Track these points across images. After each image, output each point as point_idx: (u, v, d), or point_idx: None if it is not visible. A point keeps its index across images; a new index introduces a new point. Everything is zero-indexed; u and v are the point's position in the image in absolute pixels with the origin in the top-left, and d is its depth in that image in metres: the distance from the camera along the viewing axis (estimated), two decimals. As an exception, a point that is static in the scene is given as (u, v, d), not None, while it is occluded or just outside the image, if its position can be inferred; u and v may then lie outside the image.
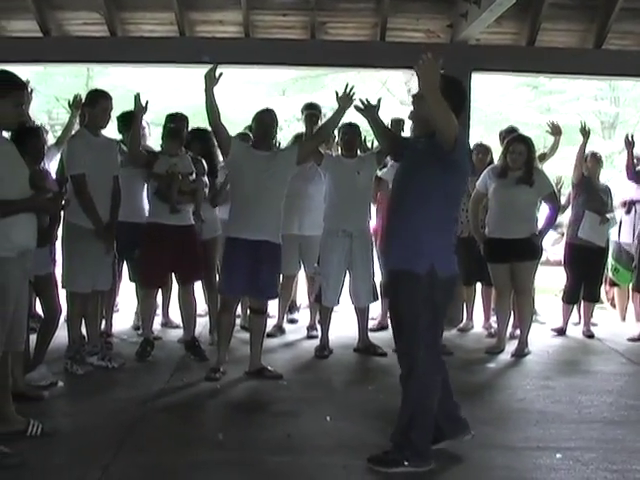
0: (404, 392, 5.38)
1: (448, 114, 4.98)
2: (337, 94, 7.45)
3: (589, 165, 9.75)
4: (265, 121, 7.53)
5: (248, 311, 8.14)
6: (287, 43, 10.44)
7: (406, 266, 5.25)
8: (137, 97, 7.54)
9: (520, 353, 8.60)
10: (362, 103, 6.44)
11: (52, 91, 20.30)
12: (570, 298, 9.83)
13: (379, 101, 6.77)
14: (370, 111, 6.40)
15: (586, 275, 9.73)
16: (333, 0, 10.23)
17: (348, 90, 7.33)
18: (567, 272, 9.89)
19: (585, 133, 9.68)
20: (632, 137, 9.82)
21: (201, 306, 8.70)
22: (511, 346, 8.76)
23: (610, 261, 10.42)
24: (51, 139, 9.33)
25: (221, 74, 7.06)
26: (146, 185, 8.44)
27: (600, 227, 9.52)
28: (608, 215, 9.64)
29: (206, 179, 8.30)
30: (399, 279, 5.36)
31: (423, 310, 5.20)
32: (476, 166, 9.23)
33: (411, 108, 5.67)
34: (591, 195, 9.59)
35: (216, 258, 8.47)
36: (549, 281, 10.56)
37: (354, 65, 11.00)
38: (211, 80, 7.04)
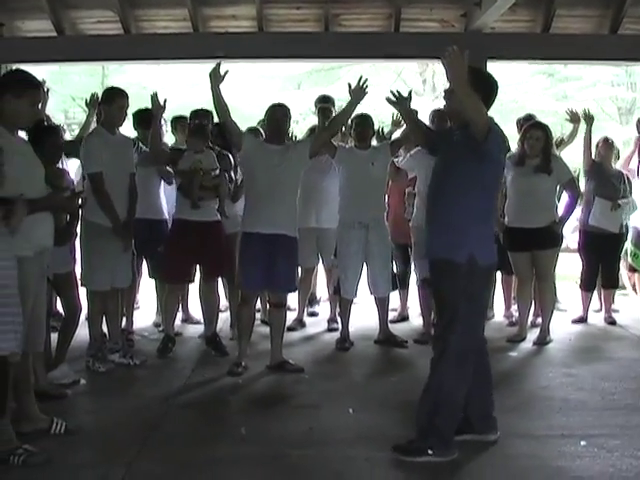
0: (431, 374, 5.40)
1: (478, 105, 5.05)
2: (350, 86, 7.46)
3: (601, 151, 9.69)
4: (277, 116, 7.51)
5: (268, 305, 8.15)
6: (301, 36, 10.45)
7: (446, 255, 5.30)
8: (154, 96, 7.56)
9: (542, 341, 8.59)
10: (394, 95, 6.41)
11: (68, 90, 20.37)
12: (588, 285, 9.79)
13: (410, 93, 6.77)
14: (402, 103, 6.41)
15: (602, 262, 9.70)
16: (346, -9, 10.22)
17: (361, 82, 7.33)
18: (582, 259, 9.87)
19: (588, 119, 9.58)
20: None
21: (222, 301, 8.68)
22: (533, 334, 8.75)
23: (630, 247, 10.37)
24: (68, 138, 9.32)
25: (227, 71, 7.08)
26: (162, 182, 8.47)
27: (612, 213, 9.43)
28: (623, 200, 9.56)
29: (232, 174, 8.29)
30: (440, 268, 5.42)
31: (462, 298, 5.25)
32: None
33: (440, 102, 5.68)
34: (602, 181, 9.49)
35: (236, 253, 8.46)
36: (569, 268, 10.52)
37: (368, 57, 10.99)
38: (216, 78, 7.06)
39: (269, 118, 7.56)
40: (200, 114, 8.72)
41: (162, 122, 8.59)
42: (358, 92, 7.35)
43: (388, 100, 6.43)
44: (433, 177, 5.62)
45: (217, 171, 7.97)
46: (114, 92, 7.72)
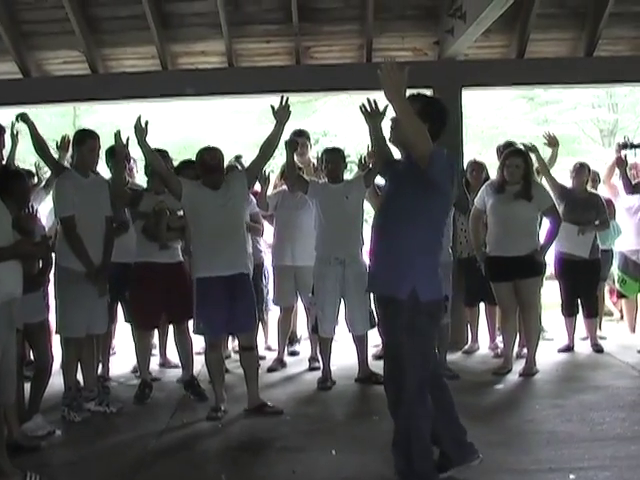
0: (394, 420, 5.36)
1: (420, 127, 4.91)
2: (273, 108, 7.40)
3: (572, 176, 9.74)
4: (207, 163, 7.43)
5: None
6: (272, 70, 10.50)
7: (389, 292, 5.25)
8: (117, 135, 7.54)
9: (528, 372, 8.58)
10: (370, 105, 6.21)
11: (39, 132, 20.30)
12: (568, 311, 9.80)
13: (386, 108, 6.38)
14: (375, 118, 6.19)
15: (579, 289, 9.72)
16: (316, 24, 10.28)
17: (284, 103, 7.34)
18: (559, 285, 9.91)
19: (530, 149, 9.46)
20: (625, 156, 10.00)
21: (200, 344, 8.65)
22: (519, 366, 8.74)
23: (617, 272, 10.41)
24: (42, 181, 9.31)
25: (147, 122, 7.08)
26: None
27: (579, 238, 9.41)
28: (595, 225, 9.62)
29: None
30: (383, 305, 5.39)
31: (406, 336, 5.17)
32: (471, 184, 9.27)
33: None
34: (569, 206, 9.46)
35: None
36: (555, 296, 10.53)
37: (341, 89, 11.03)
38: (141, 132, 7.07)
39: (200, 165, 7.51)
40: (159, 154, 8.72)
41: (132, 161, 8.63)
42: (282, 113, 7.36)
43: (362, 109, 6.28)
44: (379, 207, 5.59)
45: (181, 212, 7.96)
46: (84, 134, 7.76)
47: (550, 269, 9.75)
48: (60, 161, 8.85)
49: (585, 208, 9.58)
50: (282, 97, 7.38)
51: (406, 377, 5.20)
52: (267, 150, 7.61)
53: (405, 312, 5.15)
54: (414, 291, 5.14)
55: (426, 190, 5.13)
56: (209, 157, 7.47)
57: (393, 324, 5.27)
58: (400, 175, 5.35)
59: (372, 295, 5.64)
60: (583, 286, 9.70)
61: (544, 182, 9.48)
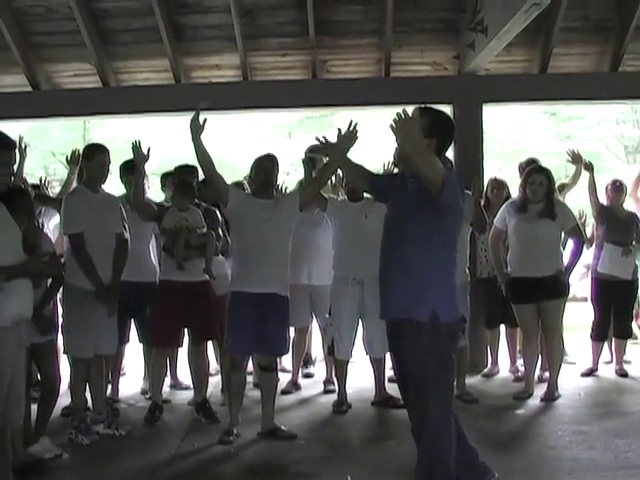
0: (418, 446, 5.27)
1: (432, 162, 4.94)
2: (339, 131, 6.71)
3: (610, 195, 9.73)
4: (265, 167, 7.46)
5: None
6: (288, 84, 10.53)
7: (407, 315, 5.16)
8: (136, 145, 7.47)
9: (550, 397, 8.52)
10: (320, 142, 6.26)
11: (48, 146, 20.42)
12: (599, 335, 9.75)
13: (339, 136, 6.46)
14: (334, 150, 6.25)
15: (615, 310, 9.66)
16: (333, 37, 10.31)
17: (352, 128, 6.72)
18: (594, 308, 9.83)
19: (588, 168, 9.66)
20: None
21: (212, 365, 8.64)
22: (540, 390, 8.68)
23: (640, 294, 10.37)
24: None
25: (205, 120, 7.00)
26: (151, 242, 8.46)
27: (622, 259, 9.44)
28: (635, 245, 9.56)
29: (220, 231, 8.26)
30: (401, 329, 5.26)
31: (429, 359, 5.10)
32: (492, 202, 9.25)
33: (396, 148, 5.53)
34: (610, 226, 9.54)
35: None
36: (577, 318, 10.48)
37: (359, 104, 10.98)
38: (197, 128, 6.96)
39: (257, 170, 7.50)
40: (185, 170, 8.70)
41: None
42: (348, 138, 6.61)
43: (310, 153, 6.17)
44: (387, 229, 5.51)
45: (204, 229, 7.95)
46: (93, 148, 7.74)
47: (573, 290, 9.71)
48: (70, 175, 8.91)
49: (626, 228, 9.64)
50: (351, 121, 6.76)
51: (431, 401, 5.13)
52: (324, 174, 7.55)
53: (426, 335, 5.09)
54: (434, 312, 5.10)
55: (439, 213, 5.13)
56: (266, 161, 7.51)
57: (413, 349, 5.18)
58: (410, 196, 5.28)
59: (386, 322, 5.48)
60: (619, 306, 9.69)
61: (567, 199, 9.46)
